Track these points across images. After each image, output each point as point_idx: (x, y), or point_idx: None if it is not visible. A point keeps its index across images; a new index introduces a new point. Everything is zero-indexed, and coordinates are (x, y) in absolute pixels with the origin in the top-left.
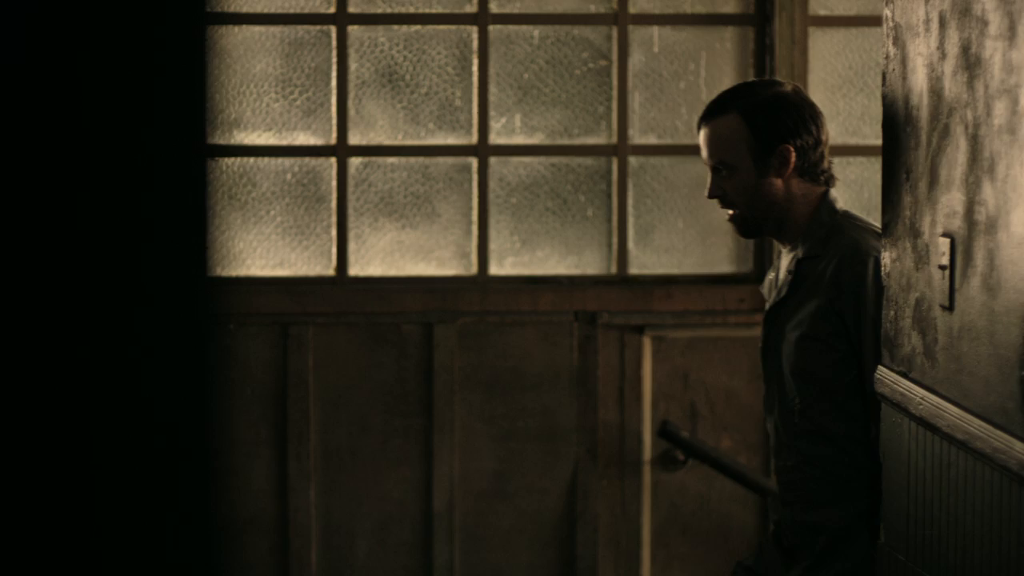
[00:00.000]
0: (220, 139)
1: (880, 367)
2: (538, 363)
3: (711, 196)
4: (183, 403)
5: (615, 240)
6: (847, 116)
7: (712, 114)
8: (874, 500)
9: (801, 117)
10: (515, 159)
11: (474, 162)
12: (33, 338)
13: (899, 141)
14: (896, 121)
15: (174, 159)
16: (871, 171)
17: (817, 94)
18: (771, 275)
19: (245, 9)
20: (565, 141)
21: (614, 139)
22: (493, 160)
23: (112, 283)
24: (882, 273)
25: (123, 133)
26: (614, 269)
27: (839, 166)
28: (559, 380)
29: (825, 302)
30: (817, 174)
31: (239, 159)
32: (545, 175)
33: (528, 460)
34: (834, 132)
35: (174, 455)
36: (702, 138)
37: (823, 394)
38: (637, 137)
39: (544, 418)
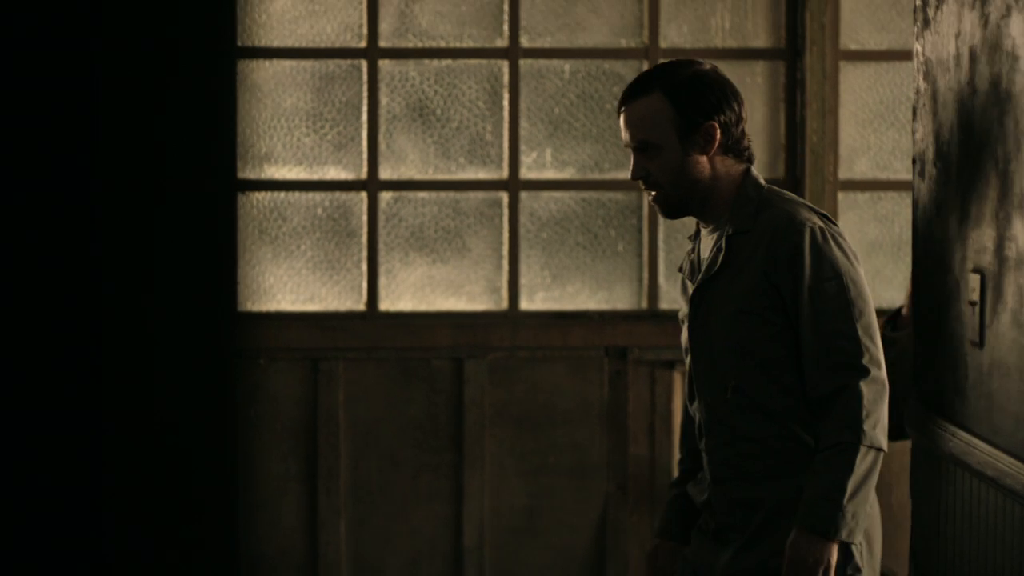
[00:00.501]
0: (251, 173)
1: (911, 402)
2: (568, 398)
3: (635, 177)
4: (205, 438)
5: (646, 275)
6: (878, 151)
7: (635, 94)
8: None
9: (724, 94)
10: (546, 194)
11: (505, 197)
12: (56, 369)
13: (929, 176)
14: (926, 156)
15: (197, 194)
16: (902, 206)
17: (848, 128)
18: (690, 256)
19: (276, 44)
20: (596, 176)
21: None
22: (524, 195)
23: (135, 319)
24: (827, 243)
25: (145, 165)
26: (644, 304)
27: (869, 201)
28: (589, 415)
29: (760, 275)
30: (740, 151)
31: (270, 193)
32: (576, 210)
33: (558, 496)
34: (865, 167)
35: (196, 489)
36: (624, 119)
37: (759, 368)
38: None
39: (574, 453)
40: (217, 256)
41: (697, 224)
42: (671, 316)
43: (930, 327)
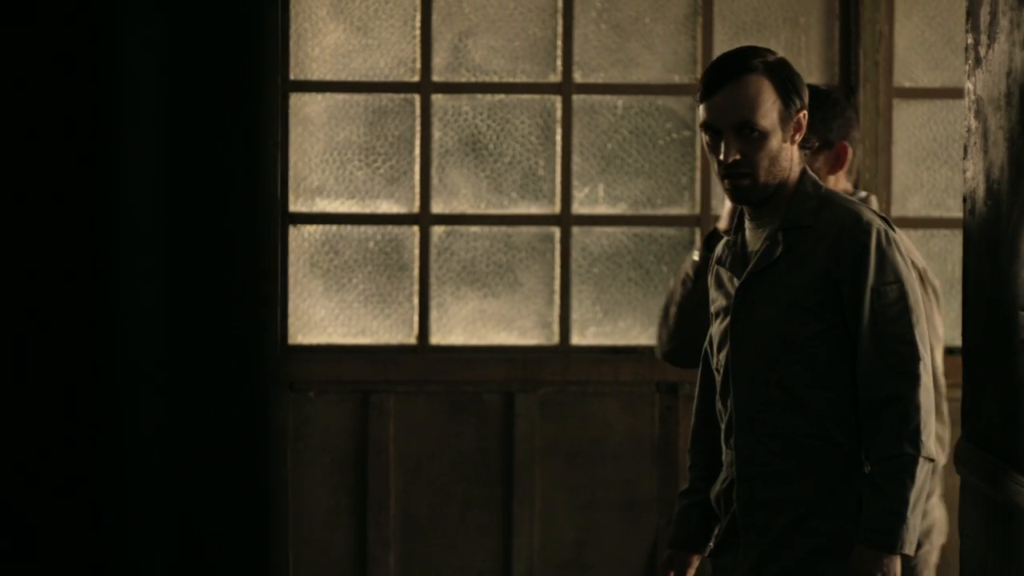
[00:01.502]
0: (303, 207)
1: (960, 440)
2: (619, 433)
3: (729, 160)
4: (250, 468)
5: None
6: (931, 188)
7: (737, 71)
8: (840, 475)
9: (803, 84)
10: (598, 229)
11: (557, 231)
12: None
13: (980, 214)
14: (977, 194)
15: (249, 227)
16: (955, 243)
17: (901, 165)
18: (732, 248)
19: (329, 77)
20: (648, 211)
21: (697, 209)
22: (576, 230)
23: (182, 350)
24: (890, 247)
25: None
26: None
27: (922, 239)
28: (640, 450)
29: (820, 271)
30: (806, 145)
31: (322, 227)
32: (628, 245)
33: (608, 531)
34: (918, 205)
35: (236, 524)
36: (722, 97)
37: (803, 365)
38: (720, 208)
39: (625, 489)
40: (267, 288)
41: (738, 215)
42: None
43: (979, 365)
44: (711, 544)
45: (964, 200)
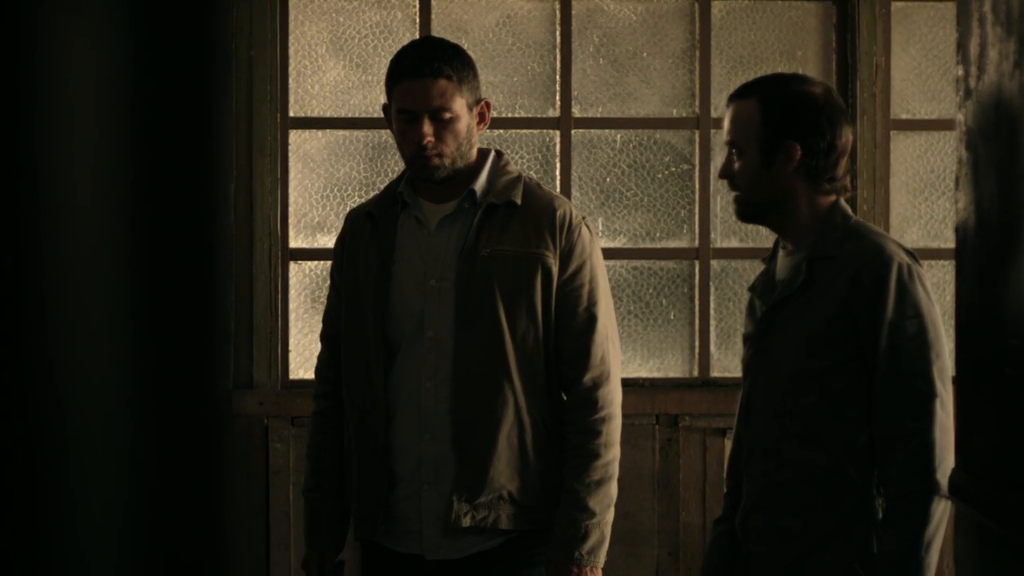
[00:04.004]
0: (303, 243)
1: (955, 470)
2: (620, 465)
3: (721, 174)
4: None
5: (697, 343)
6: (929, 219)
7: (738, 95)
8: (852, 510)
9: (818, 121)
10: None
11: None
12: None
13: (971, 245)
14: (968, 225)
15: (247, 262)
16: (953, 274)
17: (899, 197)
18: (763, 276)
19: (329, 114)
20: (647, 244)
21: (696, 242)
22: None
23: (176, 383)
24: (912, 281)
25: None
26: (696, 372)
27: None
28: (641, 482)
29: (839, 303)
30: (826, 180)
31: (323, 262)
32: (627, 278)
33: (610, 563)
34: (916, 236)
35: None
36: (726, 114)
37: (820, 397)
38: (719, 241)
39: (626, 520)
40: (266, 324)
41: (776, 243)
42: (723, 384)
43: (972, 394)
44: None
45: (956, 231)
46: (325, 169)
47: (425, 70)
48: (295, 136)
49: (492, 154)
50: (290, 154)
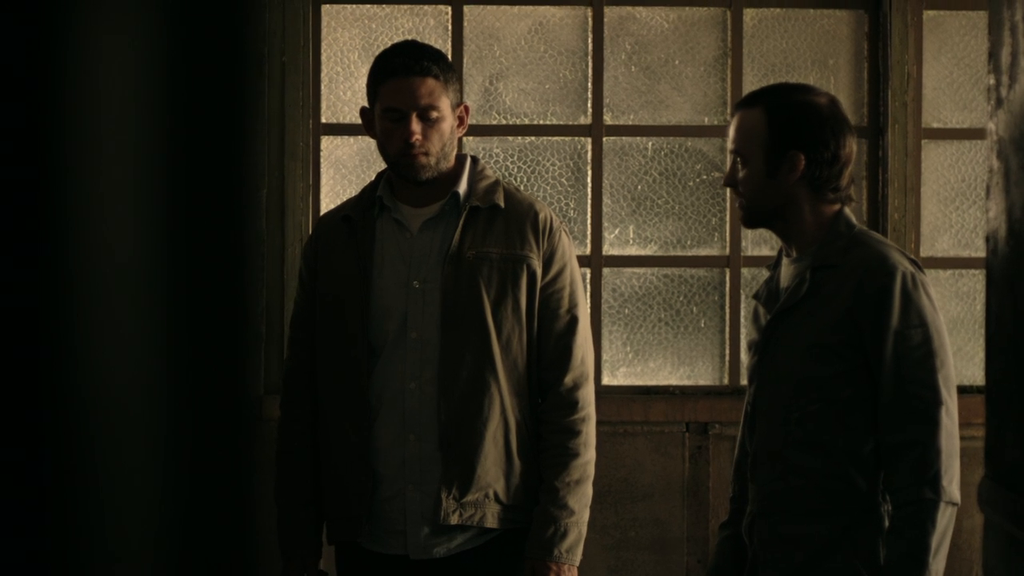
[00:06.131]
0: None
1: (983, 479)
2: (650, 473)
3: (725, 183)
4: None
5: (727, 351)
6: (960, 228)
7: (744, 104)
8: (857, 517)
9: (822, 131)
10: (628, 270)
11: (587, 272)
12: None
13: (1002, 254)
14: (999, 234)
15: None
16: (983, 283)
17: (930, 206)
18: (768, 284)
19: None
20: (678, 252)
21: (727, 251)
22: (606, 271)
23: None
24: (916, 290)
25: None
26: (726, 380)
27: (951, 279)
28: (670, 490)
29: (843, 312)
30: (830, 189)
31: None
32: (658, 286)
33: (639, 570)
34: (947, 245)
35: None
36: (732, 123)
37: (825, 405)
38: (750, 249)
39: (655, 528)
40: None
41: (780, 251)
42: None
43: (1002, 404)
44: None
45: (986, 240)
46: (356, 175)
47: (415, 68)
48: (327, 142)
49: (468, 159)
50: (322, 160)
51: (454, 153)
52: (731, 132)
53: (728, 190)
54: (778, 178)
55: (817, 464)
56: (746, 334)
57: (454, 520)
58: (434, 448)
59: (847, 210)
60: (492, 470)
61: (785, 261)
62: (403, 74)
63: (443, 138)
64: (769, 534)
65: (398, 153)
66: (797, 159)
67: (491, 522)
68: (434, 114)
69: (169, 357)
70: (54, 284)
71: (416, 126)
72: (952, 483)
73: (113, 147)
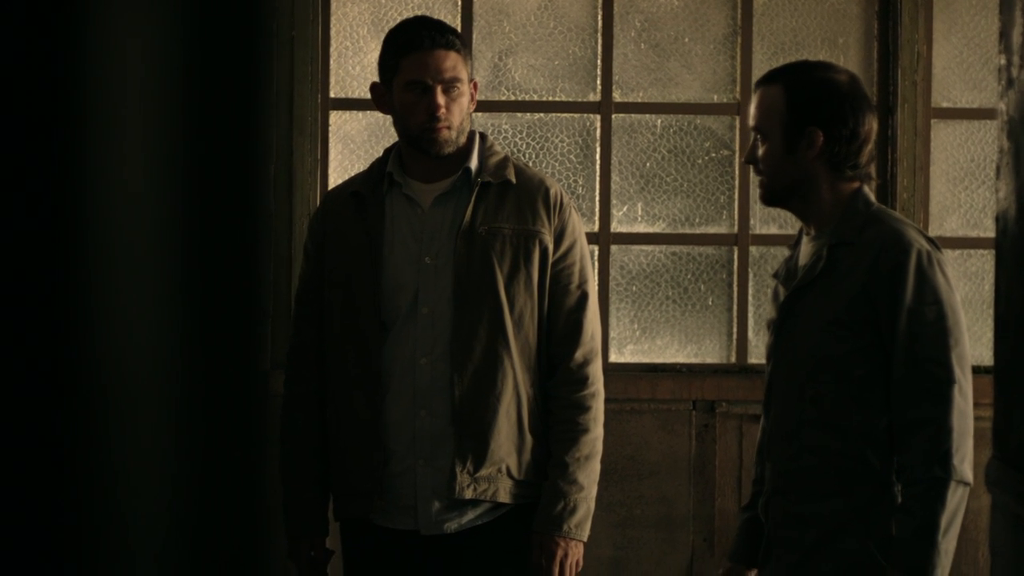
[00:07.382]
0: None
1: (991, 460)
2: (656, 451)
3: (746, 159)
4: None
5: (735, 329)
6: (968, 208)
7: (764, 81)
8: (871, 496)
9: (841, 108)
10: (636, 247)
11: (595, 250)
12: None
13: (1012, 234)
14: (1008, 215)
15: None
16: (992, 264)
17: (939, 185)
18: (788, 263)
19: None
20: (686, 230)
21: (735, 229)
22: (614, 248)
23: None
24: (931, 268)
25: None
26: (733, 358)
27: (959, 259)
28: (677, 468)
29: (859, 289)
30: (849, 167)
31: None
32: (666, 264)
33: (645, 548)
34: (955, 225)
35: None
36: (752, 100)
37: (839, 383)
38: (758, 227)
39: (661, 506)
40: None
41: (800, 230)
42: (760, 370)
43: (1011, 384)
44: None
45: (996, 220)
46: (365, 150)
47: (440, 42)
48: (335, 117)
49: (477, 135)
50: (330, 135)
51: (468, 128)
52: (752, 109)
53: (736, 168)
54: (796, 154)
55: (832, 443)
56: (765, 313)
57: (468, 494)
58: (446, 423)
59: (866, 188)
60: (505, 445)
61: (804, 239)
62: (429, 47)
63: (463, 112)
64: (784, 512)
65: (420, 126)
66: (815, 135)
67: (503, 497)
68: (458, 87)
69: (179, 332)
70: (67, 266)
71: (441, 99)
72: (964, 462)
73: (125, 124)
